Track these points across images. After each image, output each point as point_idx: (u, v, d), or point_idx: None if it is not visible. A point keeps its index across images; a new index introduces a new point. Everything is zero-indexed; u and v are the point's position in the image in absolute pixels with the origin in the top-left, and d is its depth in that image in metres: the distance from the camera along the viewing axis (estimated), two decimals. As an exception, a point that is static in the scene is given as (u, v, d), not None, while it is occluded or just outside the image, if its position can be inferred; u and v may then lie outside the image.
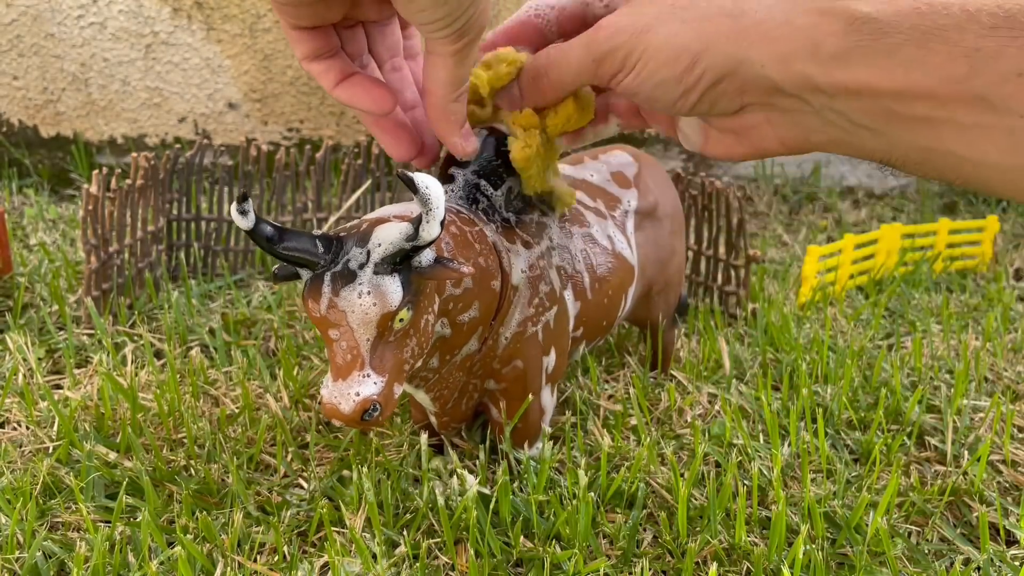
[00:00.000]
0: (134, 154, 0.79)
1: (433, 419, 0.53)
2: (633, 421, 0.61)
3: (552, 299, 0.51)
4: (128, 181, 0.78)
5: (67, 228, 1.03)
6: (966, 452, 0.59)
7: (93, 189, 0.73)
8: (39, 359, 0.69)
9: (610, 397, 0.66)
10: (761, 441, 0.60)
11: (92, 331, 0.73)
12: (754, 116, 0.42)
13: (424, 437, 0.53)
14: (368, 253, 0.40)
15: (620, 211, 0.59)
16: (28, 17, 1.21)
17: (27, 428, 0.59)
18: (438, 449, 0.57)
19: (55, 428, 0.58)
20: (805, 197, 1.32)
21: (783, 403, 0.64)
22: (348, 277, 0.40)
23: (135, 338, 0.73)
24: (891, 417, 0.64)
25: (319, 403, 0.40)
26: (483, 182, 0.50)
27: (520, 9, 0.49)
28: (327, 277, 0.40)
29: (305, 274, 0.41)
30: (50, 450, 0.56)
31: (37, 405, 0.61)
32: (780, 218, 1.24)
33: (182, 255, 0.89)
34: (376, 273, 0.40)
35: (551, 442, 0.58)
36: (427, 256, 0.41)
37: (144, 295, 0.80)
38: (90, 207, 0.72)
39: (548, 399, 0.54)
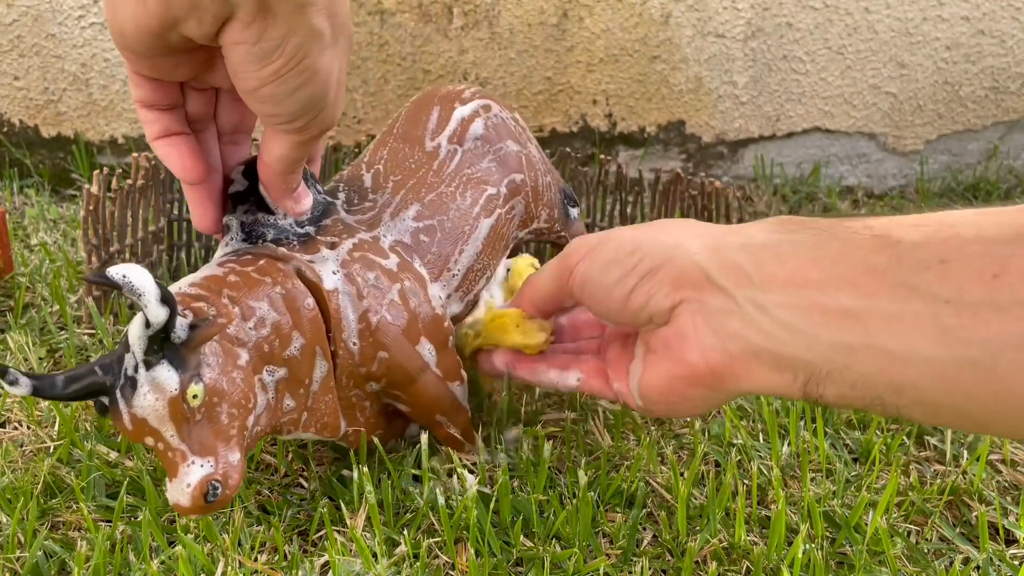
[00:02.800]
0: (135, 154, 0.79)
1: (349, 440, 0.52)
2: (633, 421, 0.61)
3: (391, 278, 0.50)
4: (129, 181, 0.78)
5: (68, 228, 1.03)
6: (965, 451, 0.59)
7: (94, 189, 0.73)
8: (40, 359, 0.69)
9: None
10: (761, 440, 0.60)
11: (93, 331, 0.73)
12: (684, 320, 0.41)
13: (424, 437, 0.53)
14: (134, 355, 0.40)
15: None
16: (29, 17, 1.21)
17: (28, 428, 0.59)
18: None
19: (56, 428, 0.58)
20: (805, 197, 1.32)
21: (782, 402, 0.64)
22: (132, 384, 0.40)
23: (136, 338, 0.73)
24: (890, 417, 0.64)
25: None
26: (260, 215, 0.50)
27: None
28: (118, 395, 0.40)
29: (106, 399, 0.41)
30: (51, 450, 0.56)
31: (38, 405, 0.62)
32: (780, 218, 1.24)
33: (183, 255, 0.89)
34: (148, 369, 0.40)
35: (551, 442, 0.58)
36: (180, 329, 0.40)
37: (145, 295, 0.80)
38: (91, 207, 0.72)
39: (431, 358, 0.52)
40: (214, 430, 0.41)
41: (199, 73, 0.44)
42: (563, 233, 0.66)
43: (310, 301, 0.47)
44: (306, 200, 0.50)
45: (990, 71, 1.36)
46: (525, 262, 0.61)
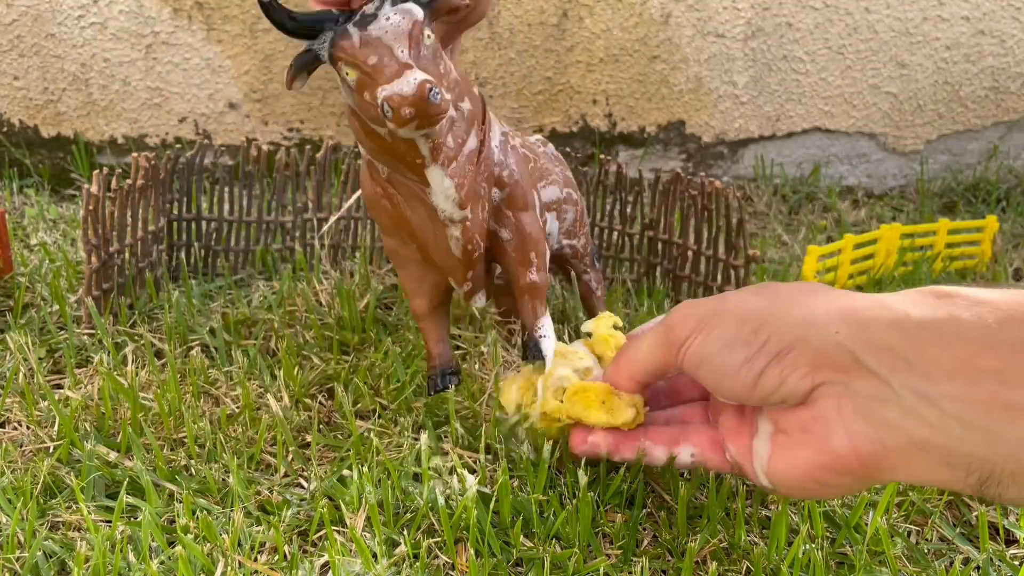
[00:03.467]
0: (135, 154, 0.79)
1: (455, 249, 0.51)
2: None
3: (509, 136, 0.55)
4: (129, 181, 0.78)
5: (68, 228, 1.03)
6: (966, 452, 0.59)
7: (94, 189, 0.73)
8: (40, 359, 0.69)
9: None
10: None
11: (93, 331, 0.73)
12: (825, 403, 0.36)
13: (424, 437, 0.53)
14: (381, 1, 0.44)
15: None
16: (29, 17, 1.21)
17: (28, 428, 0.59)
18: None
19: (56, 428, 0.58)
20: (805, 197, 1.32)
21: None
22: (370, 18, 0.43)
23: (136, 338, 0.73)
24: None
25: (381, 108, 0.41)
26: None
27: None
28: (350, 26, 0.44)
29: (323, 44, 0.44)
30: (51, 450, 0.56)
31: (38, 405, 0.62)
32: (780, 218, 1.24)
33: (183, 255, 0.89)
34: (394, 4, 0.44)
35: (551, 442, 0.58)
36: None
37: (145, 295, 0.80)
38: (91, 207, 0.72)
39: (538, 215, 0.56)
40: (433, 67, 0.44)
41: None
42: (588, 271, 0.70)
43: (476, 88, 0.50)
44: None
45: (990, 71, 1.36)
46: (606, 323, 0.54)
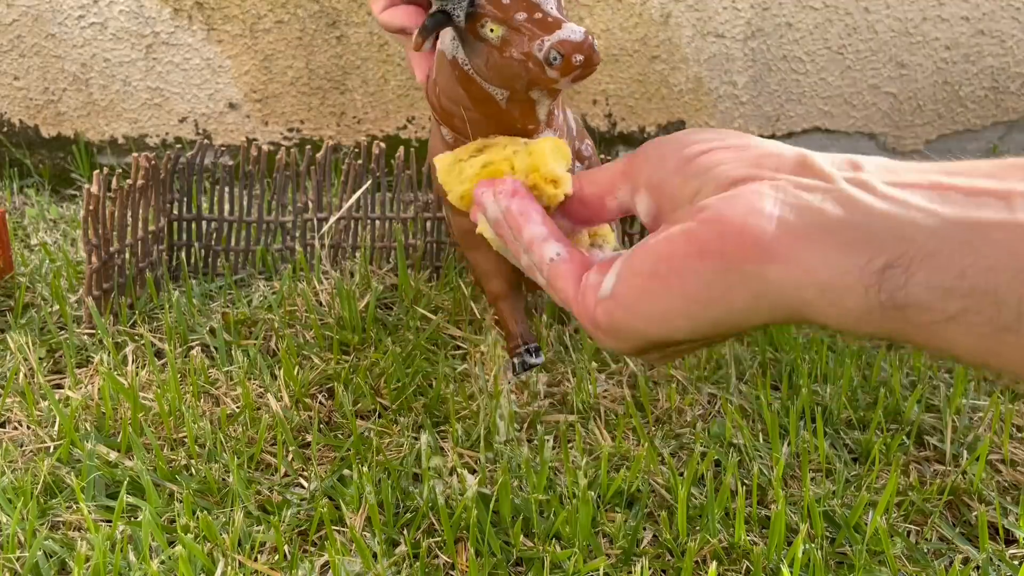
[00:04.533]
0: (135, 154, 0.79)
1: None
2: (633, 422, 0.61)
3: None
4: (129, 181, 0.78)
5: (68, 228, 1.03)
6: (965, 451, 0.59)
7: (94, 189, 0.73)
8: (40, 359, 0.69)
9: (610, 399, 0.66)
10: (761, 440, 0.60)
11: (93, 331, 0.73)
12: (741, 190, 0.30)
13: (425, 438, 0.53)
14: None
15: None
16: (29, 17, 1.21)
17: (28, 427, 0.59)
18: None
19: (56, 427, 0.58)
20: (805, 197, 1.32)
21: (783, 402, 0.64)
22: None
23: (136, 338, 0.73)
24: (890, 416, 0.64)
25: (547, 58, 0.40)
26: None
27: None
28: None
29: (457, 3, 0.43)
30: (51, 449, 0.56)
31: (38, 404, 0.62)
32: (780, 218, 1.24)
33: (183, 255, 0.89)
34: None
35: (550, 442, 0.58)
36: None
37: (145, 295, 0.80)
38: (91, 207, 0.72)
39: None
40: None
41: None
42: None
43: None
44: None
45: (990, 71, 1.36)
46: (558, 158, 0.44)
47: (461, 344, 0.72)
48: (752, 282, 0.28)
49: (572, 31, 0.42)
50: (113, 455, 0.55)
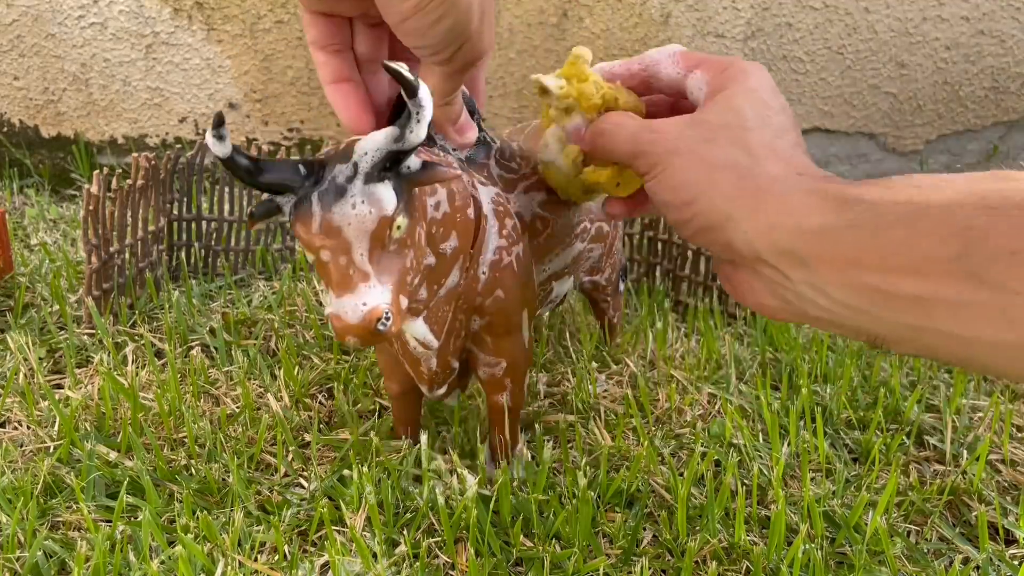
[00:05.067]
0: (135, 154, 0.79)
1: (423, 370, 0.50)
2: (634, 422, 0.61)
3: (518, 235, 0.51)
4: (129, 181, 0.78)
5: (68, 228, 1.03)
6: (965, 451, 0.59)
7: (94, 189, 0.73)
8: (40, 359, 0.69)
9: (610, 399, 0.66)
10: (761, 440, 0.60)
11: (93, 331, 0.73)
12: (743, 275, 0.42)
13: (424, 437, 0.53)
14: (355, 166, 0.39)
15: None
16: (29, 17, 1.21)
17: (28, 428, 0.59)
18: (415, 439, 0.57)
19: (56, 428, 0.58)
20: (805, 197, 1.32)
21: (782, 403, 0.64)
22: (338, 192, 0.38)
23: (136, 338, 0.73)
24: (890, 416, 0.64)
25: (327, 321, 0.40)
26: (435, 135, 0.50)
27: (634, 59, 0.51)
28: (314, 197, 0.38)
29: (288, 201, 0.40)
30: (51, 449, 0.56)
31: (38, 405, 0.62)
32: (780, 218, 1.24)
33: (183, 255, 0.89)
34: (367, 183, 0.39)
35: (551, 442, 0.58)
36: (414, 161, 0.40)
37: (145, 295, 0.80)
38: (91, 207, 0.72)
39: (526, 335, 0.53)
40: (399, 266, 0.40)
41: (366, 8, 0.44)
42: (608, 300, 0.72)
43: (472, 211, 0.47)
44: (470, 132, 0.50)
45: (990, 71, 1.36)
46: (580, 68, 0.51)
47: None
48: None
49: (353, 309, 0.38)
50: (113, 455, 0.55)
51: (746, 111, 0.43)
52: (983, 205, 0.35)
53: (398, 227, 0.39)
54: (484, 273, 0.49)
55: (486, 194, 0.50)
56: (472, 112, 0.51)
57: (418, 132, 0.38)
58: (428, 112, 0.38)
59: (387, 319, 0.38)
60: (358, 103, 0.47)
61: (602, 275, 0.68)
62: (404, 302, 0.40)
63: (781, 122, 0.43)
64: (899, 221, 0.37)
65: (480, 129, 0.52)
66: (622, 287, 0.73)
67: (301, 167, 0.39)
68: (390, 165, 0.39)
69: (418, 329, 0.46)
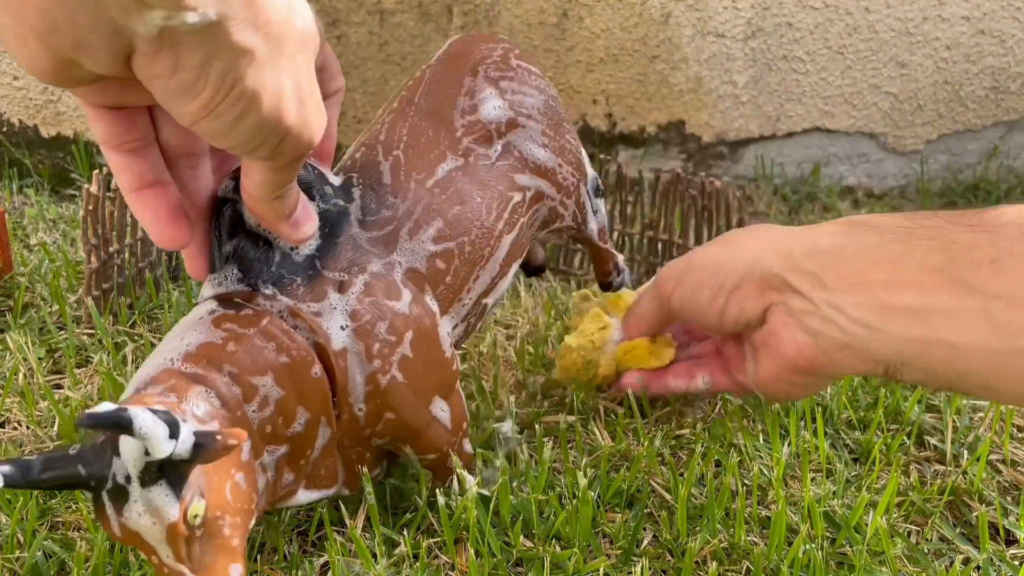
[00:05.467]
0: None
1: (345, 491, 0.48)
2: (635, 423, 0.61)
3: (404, 325, 0.45)
4: (128, 181, 0.78)
5: (67, 228, 1.03)
6: (966, 451, 0.59)
7: (94, 189, 0.73)
8: (39, 359, 0.69)
9: (610, 398, 0.66)
10: (761, 440, 0.60)
11: (93, 331, 0.73)
12: (775, 321, 0.47)
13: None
14: (125, 466, 0.34)
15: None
16: (29, 17, 1.21)
17: (28, 428, 0.59)
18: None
19: (56, 428, 0.58)
20: (805, 197, 1.32)
21: (782, 403, 0.64)
22: (122, 495, 0.34)
23: (136, 338, 0.73)
24: (891, 416, 0.64)
25: None
26: (251, 247, 0.43)
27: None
28: (105, 498, 0.35)
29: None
30: (51, 449, 0.56)
31: (38, 405, 0.62)
32: (780, 218, 1.24)
33: (182, 255, 0.89)
34: (144, 487, 0.34)
35: (551, 442, 0.58)
36: (184, 444, 0.33)
37: (145, 295, 0.80)
38: (91, 207, 0.72)
39: (443, 415, 0.48)
40: (215, 545, 0.37)
41: None
42: (584, 229, 0.59)
43: (317, 369, 0.42)
44: (307, 225, 0.43)
45: (990, 71, 1.36)
46: (593, 319, 0.63)
47: (461, 344, 0.72)
48: (828, 374, 0.48)
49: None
50: (113, 455, 0.55)
51: (714, 253, 0.53)
52: (967, 225, 0.40)
53: (195, 516, 0.35)
54: (361, 410, 0.44)
55: (338, 317, 0.43)
56: (311, 188, 0.44)
57: (159, 450, 0.33)
58: (157, 437, 0.32)
59: None
60: (168, 212, 0.39)
61: (561, 220, 0.56)
62: (237, 570, 0.37)
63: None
64: (896, 238, 0.42)
65: (326, 198, 0.45)
66: (600, 205, 0.61)
67: (81, 467, 0.34)
68: (159, 466, 0.34)
69: (304, 499, 0.44)
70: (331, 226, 0.45)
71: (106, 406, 0.32)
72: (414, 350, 0.45)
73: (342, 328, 0.43)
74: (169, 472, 0.34)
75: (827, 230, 0.45)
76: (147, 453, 0.33)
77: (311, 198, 0.44)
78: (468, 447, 0.51)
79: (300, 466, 0.43)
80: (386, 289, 0.45)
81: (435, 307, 0.47)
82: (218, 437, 0.34)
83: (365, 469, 0.47)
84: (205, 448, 0.34)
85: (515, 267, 0.54)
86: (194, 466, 0.35)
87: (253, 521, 0.39)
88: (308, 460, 0.43)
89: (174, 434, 0.33)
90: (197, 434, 0.34)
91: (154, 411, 0.33)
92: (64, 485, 0.34)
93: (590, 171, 0.59)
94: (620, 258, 0.65)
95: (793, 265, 0.45)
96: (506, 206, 0.51)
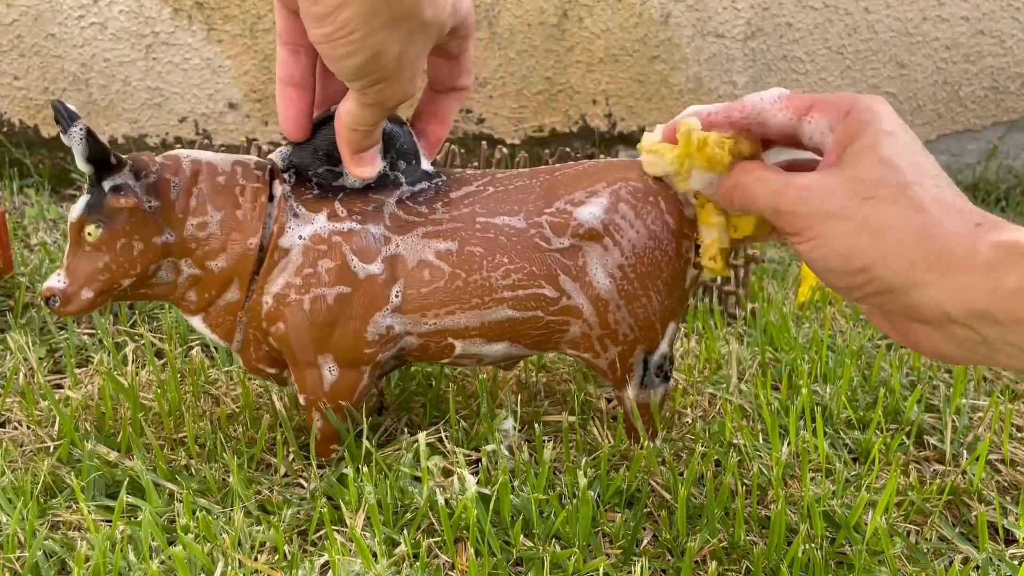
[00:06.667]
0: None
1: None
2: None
3: (347, 281, 0.50)
4: (129, 181, 0.78)
5: (68, 228, 1.03)
6: (965, 451, 0.59)
7: (94, 189, 0.73)
8: (40, 359, 0.69)
9: (610, 401, 0.66)
10: (761, 440, 0.60)
11: (93, 331, 0.73)
12: (922, 328, 0.41)
13: (422, 436, 0.53)
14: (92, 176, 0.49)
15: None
16: (29, 17, 1.21)
17: (28, 427, 0.59)
18: None
19: (56, 427, 0.58)
20: (805, 197, 1.32)
21: (782, 402, 0.64)
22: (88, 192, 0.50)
23: (136, 337, 0.73)
24: (890, 416, 0.64)
25: None
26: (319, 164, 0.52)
27: (733, 106, 0.48)
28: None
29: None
30: (51, 449, 0.56)
31: (38, 404, 0.62)
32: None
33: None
34: (87, 189, 0.49)
35: (551, 442, 0.58)
36: (107, 184, 0.48)
37: (145, 295, 0.80)
38: (91, 207, 0.73)
39: (328, 375, 0.52)
40: (87, 265, 0.49)
41: None
42: (620, 388, 0.56)
43: (254, 240, 0.51)
44: (368, 167, 0.50)
45: (990, 71, 1.36)
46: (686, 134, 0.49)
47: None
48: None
49: (47, 281, 0.50)
50: (113, 455, 0.55)
51: (897, 162, 0.40)
52: None
53: (88, 233, 0.49)
54: (268, 302, 0.51)
55: (308, 228, 0.50)
56: (409, 156, 0.52)
57: (80, 165, 0.48)
58: (79, 154, 0.47)
59: (54, 301, 0.49)
60: (298, 112, 0.50)
61: (591, 353, 0.54)
62: (89, 293, 0.49)
63: (931, 165, 0.41)
64: None
65: (395, 166, 0.52)
66: (657, 388, 0.56)
67: (113, 157, 0.49)
68: (95, 180, 0.49)
69: (196, 325, 0.54)
70: (377, 184, 0.52)
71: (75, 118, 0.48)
72: (337, 305, 0.51)
73: (300, 238, 0.51)
74: (94, 191, 0.49)
75: (1009, 264, 0.38)
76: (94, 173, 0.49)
77: (385, 153, 0.51)
78: (335, 420, 0.54)
79: (204, 298, 0.52)
80: (363, 245, 0.51)
81: (394, 295, 0.51)
82: (122, 193, 0.49)
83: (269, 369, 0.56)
84: (110, 197, 0.49)
85: (503, 346, 0.53)
86: (111, 204, 0.49)
87: (127, 282, 0.50)
88: (213, 302, 0.52)
89: (93, 160, 0.48)
90: (113, 184, 0.49)
91: (89, 139, 0.47)
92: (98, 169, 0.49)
93: (663, 347, 0.55)
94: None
95: (966, 305, 0.38)
96: (528, 287, 0.51)
